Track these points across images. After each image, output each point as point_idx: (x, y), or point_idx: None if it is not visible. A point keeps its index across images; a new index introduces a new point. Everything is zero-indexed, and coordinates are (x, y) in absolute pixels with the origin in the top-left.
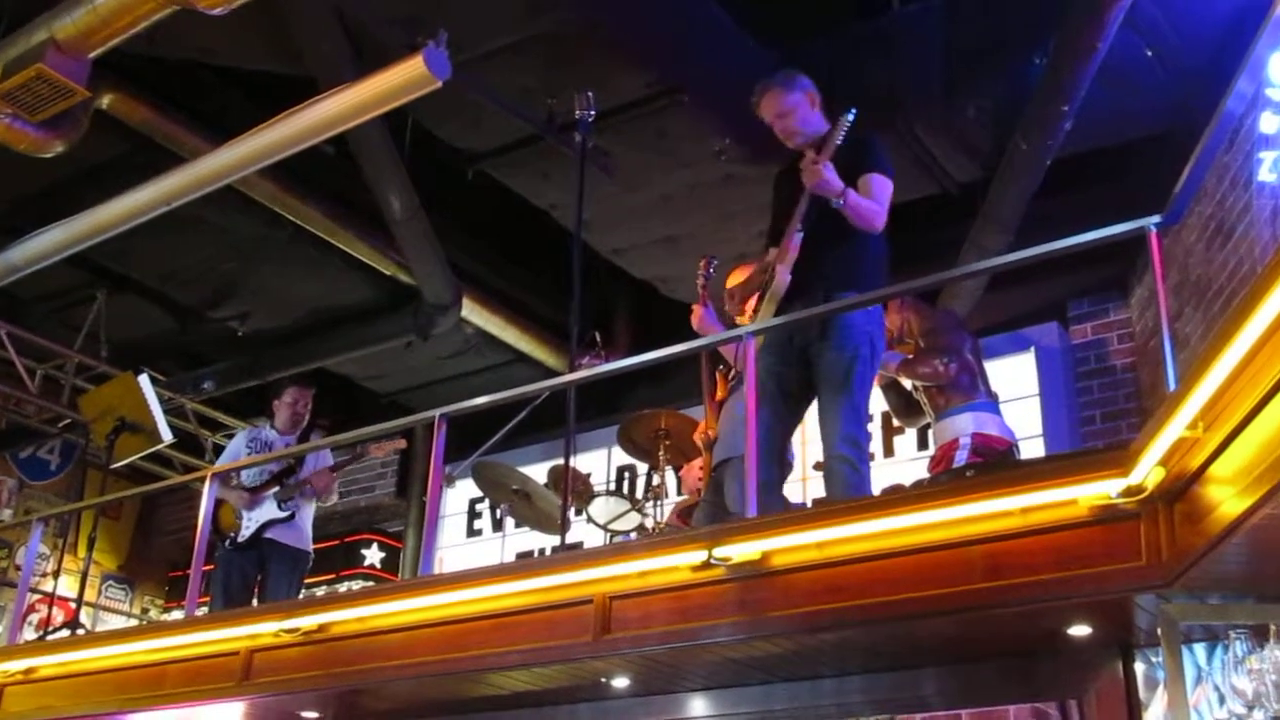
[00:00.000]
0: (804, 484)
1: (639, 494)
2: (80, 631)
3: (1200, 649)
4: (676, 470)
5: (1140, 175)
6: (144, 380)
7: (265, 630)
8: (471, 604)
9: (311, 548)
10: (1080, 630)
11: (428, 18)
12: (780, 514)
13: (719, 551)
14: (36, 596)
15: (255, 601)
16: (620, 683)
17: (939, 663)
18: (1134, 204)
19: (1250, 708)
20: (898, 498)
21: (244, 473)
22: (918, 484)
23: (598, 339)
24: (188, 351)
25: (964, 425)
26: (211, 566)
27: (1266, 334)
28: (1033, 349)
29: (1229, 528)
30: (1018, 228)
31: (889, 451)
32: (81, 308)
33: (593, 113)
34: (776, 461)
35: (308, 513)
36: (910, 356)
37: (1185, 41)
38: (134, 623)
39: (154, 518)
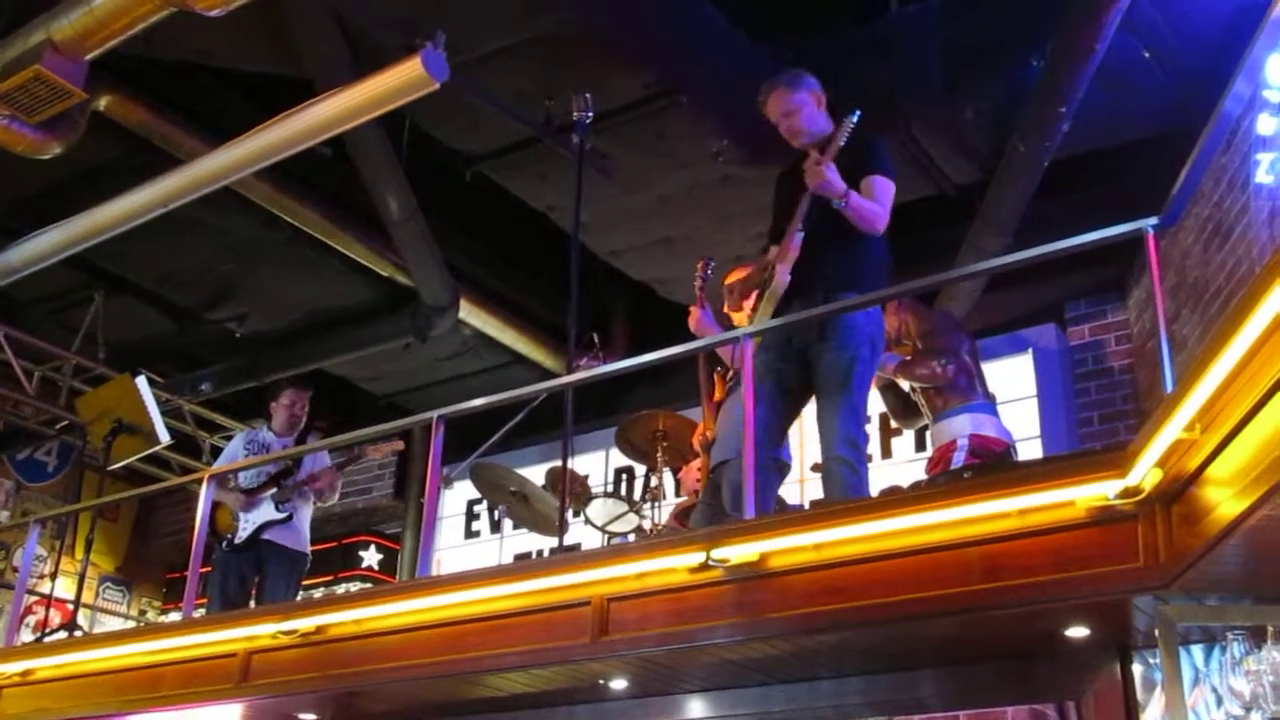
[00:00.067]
0: (802, 485)
1: (637, 495)
2: (78, 633)
3: (1198, 650)
4: (674, 472)
5: (1138, 177)
6: (141, 382)
7: (263, 632)
8: (469, 605)
9: (309, 549)
10: (1078, 632)
11: (425, 20)
12: (778, 515)
13: (717, 553)
14: (34, 598)
15: (253, 603)
16: (618, 684)
17: (937, 664)
18: (1131, 206)
19: (1248, 709)
20: (895, 499)
21: (241, 475)
22: (915, 485)
23: (595, 340)
24: (185, 353)
25: (962, 427)
26: (209, 568)
27: (1264, 336)
28: (1030, 350)
29: (1226, 529)
30: (1015, 229)
31: (887, 453)
32: (79, 309)
33: (590, 114)
34: (771, 456)
35: (305, 514)
36: (908, 358)
37: (1183, 43)
38: (131, 624)
39: (151, 519)
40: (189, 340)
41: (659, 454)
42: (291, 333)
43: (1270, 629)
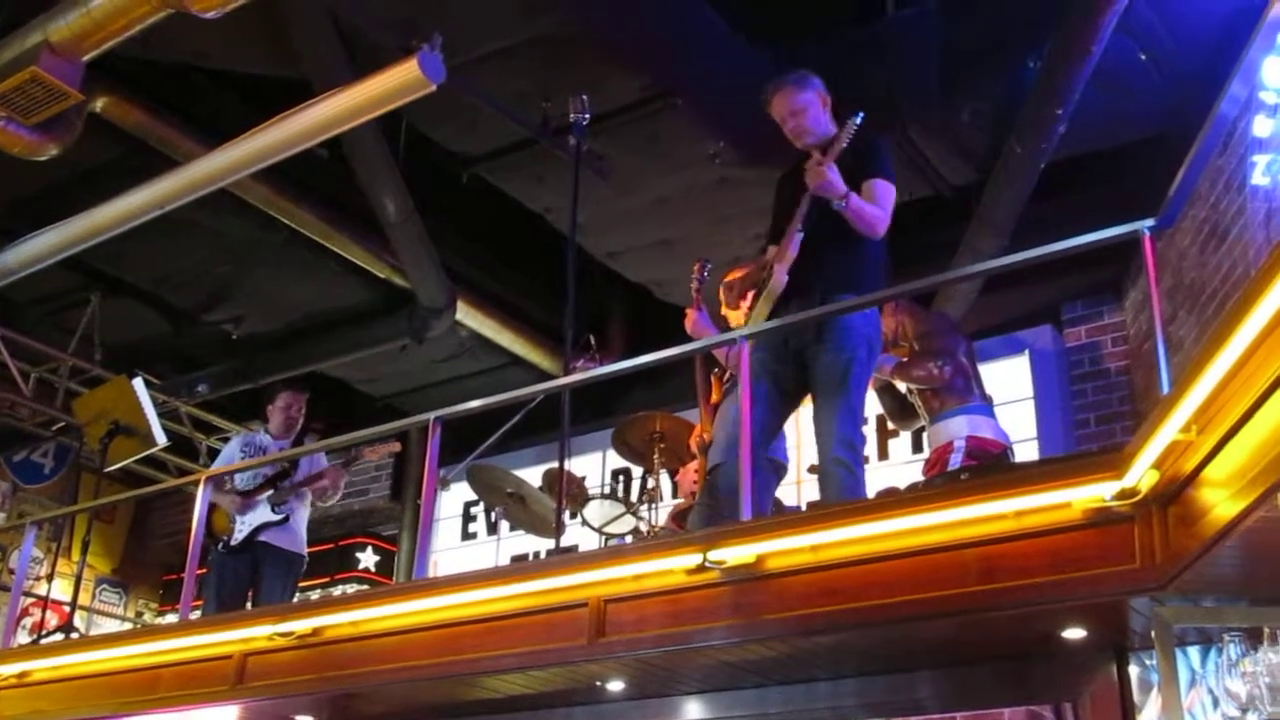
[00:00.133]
0: (799, 487)
1: (634, 497)
2: (74, 635)
3: (1194, 652)
4: (671, 473)
5: (1134, 178)
6: (138, 383)
7: (259, 634)
8: (466, 607)
9: (306, 551)
10: (1075, 633)
11: (423, 20)
12: (775, 517)
13: (714, 555)
14: (30, 600)
15: (249, 605)
16: (615, 686)
17: (934, 665)
18: (1128, 207)
19: (1244, 710)
20: (892, 501)
21: (238, 477)
22: (912, 487)
23: (592, 342)
24: (182, 355)
25: (958, 428)
26: (205, 570)
27: (1260, 337)
28: (1027, 352)
29: (1223, 531)
30: (1012, 231)
31: (884, 454)
32: (75, 311)
33: (587, 116)
34: (766, 458)
35: (302, 516)
36: (905, 359)
37: (1179, 45)
38: (128, 626)
39: (148, 521)
40: (186, 342)
41: (656, 456)
42: (288, 334)
43: (1267, 631)
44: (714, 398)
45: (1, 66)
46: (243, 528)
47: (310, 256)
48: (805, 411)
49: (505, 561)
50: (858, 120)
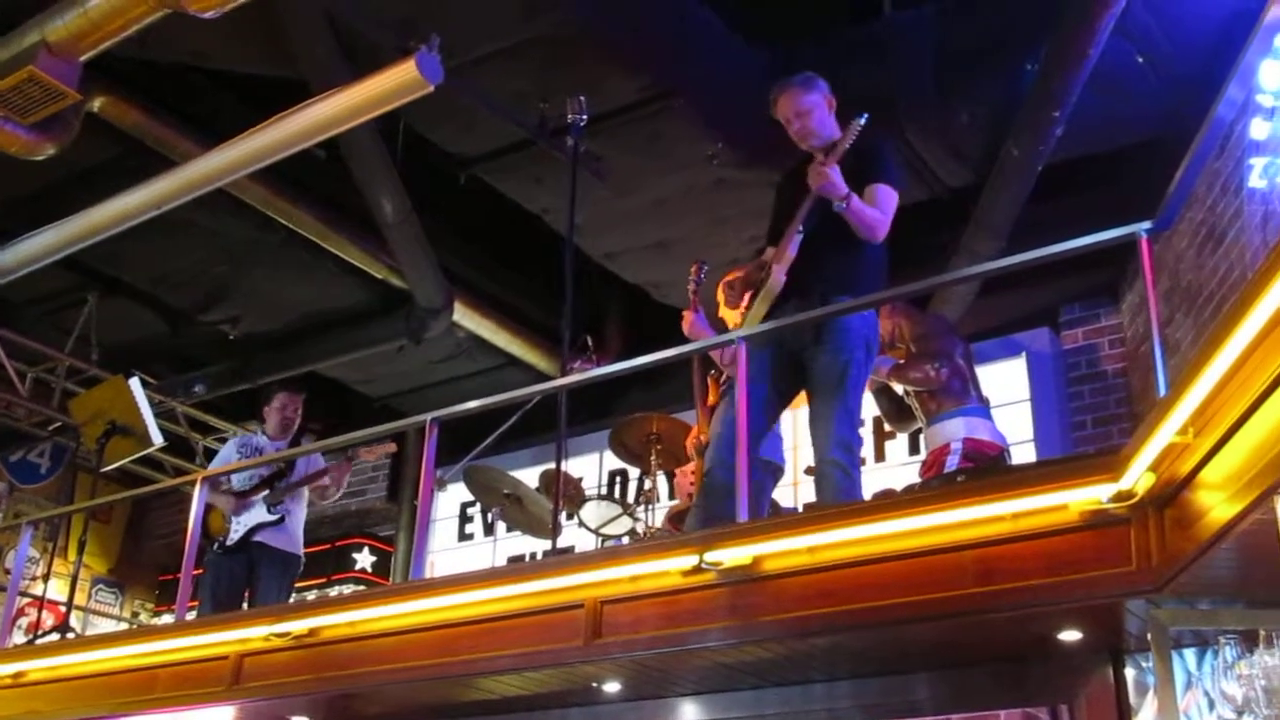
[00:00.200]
0: (795, 488)
1: (630, 498)
2: (70, 635)
3: (1190, 654)
4: (668, 475)
5: (1131, 181)
6: (135, 383)
7: (255, 634)
8: (463, 608)
9: (302, 551)
10: (1071, 635)
11: (421, 21)
12: (771, 519)
13: (710, 556)
14: (26, 600)
15: (246, 605)
16: (611, 687)
17: (930, 667)
18: (1125, 210)
19: (1240, 713)
20: (889, 502)
21: (235, 478)
22: (909, 489)
23: (589, 343)
24: (179, 355)
25: (955, 430)
26: (201, 570)
27: (1257, 339)
28: (1024, 354)
29: (1219, 533)
30: (1009, 233)
31: (880, 456)
32: (72, 311)
33: (585, 117)
34: (763, 460)
35: (299, 516)
36: (901, 361)
37: (1176, 48)
38: (124, 627)
39: (144, 521)
40: (183, 342)
41: (653, 457)
42: (285, 335)
43: (1262, 633)
44: (711, 399)
45: None
46: (238, 528)
47: (307, 257)
48: (803, 413)
49: (502, 562)
50: (862, 120)
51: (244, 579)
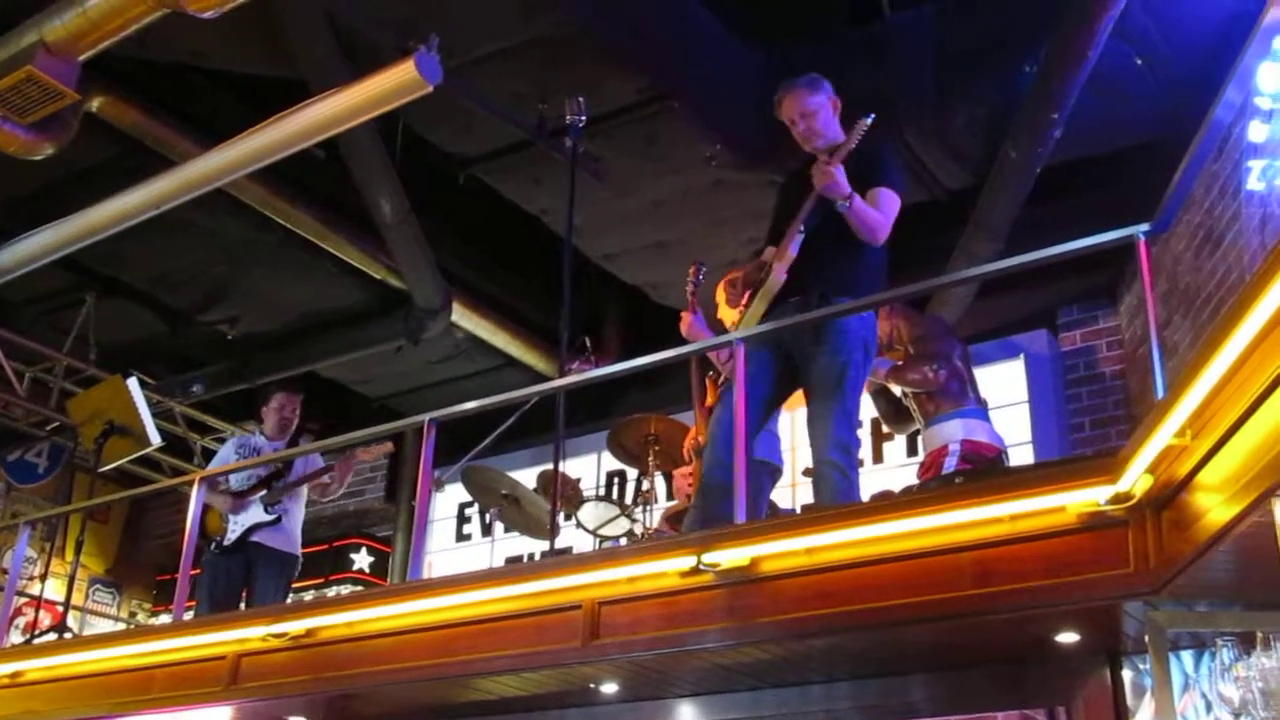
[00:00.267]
0: (793, 489)
1: (628, 499)
2: (67, 635)
3: (1188, 656)
4: (666, 476)
5: (1130, 183)
6: (133, 383)
7: (253, 635)
8: (460, 609)
9: (300, 551)
10: (1068, 637)
11: (421, 21)
12: (769, 520)
13: (708, 557)
14: (23, 600)
15: (243, 606)
16: (609, 688)
17: (927, 669)
18: (1123, 212)
19: (1237, 715)
20: (887, 504)
21: (233, 478)
22: (907, 490)
23: (588, 344)
24: (177, 355)
25: (953, 432)
26: (198, 570)
27: (1255, 341)
28: (1022, 356)
29: (1216, 535)
30: (1007, 235)
31: (878, 458)
32: (71, 310)
33: (584, 118)
34: (761, 460)
35: (297, 516)
36: (900, 363)
37: (1175, 51)
38: (121, 627)
39: (142, 521)
40: (181, 342)
41: (651, 458)
42: (284, 335)
43: (1260, 635)
44: (709, 400)
45: None
46: (235, 528)
47: (306, 257)
48: (801, 414)
49: (500, 563)
50: (868, 121)
51: (241, 579)
